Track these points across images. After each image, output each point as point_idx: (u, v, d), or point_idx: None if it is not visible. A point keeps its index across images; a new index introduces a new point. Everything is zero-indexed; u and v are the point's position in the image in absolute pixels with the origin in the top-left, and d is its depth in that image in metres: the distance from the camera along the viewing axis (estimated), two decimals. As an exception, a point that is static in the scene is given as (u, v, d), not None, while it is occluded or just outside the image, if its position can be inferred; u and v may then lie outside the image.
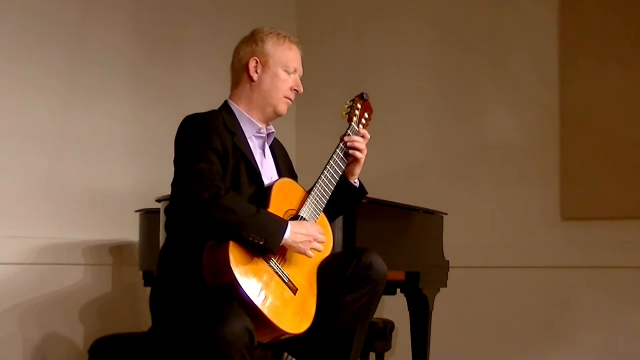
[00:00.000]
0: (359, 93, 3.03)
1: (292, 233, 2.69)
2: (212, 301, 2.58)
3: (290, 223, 2.71)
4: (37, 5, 4.05)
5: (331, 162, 2.89)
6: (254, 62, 2.89)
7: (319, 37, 5.37)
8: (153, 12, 4.63)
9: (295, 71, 2.94)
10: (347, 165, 2.93)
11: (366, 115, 3.02)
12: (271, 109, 2.92)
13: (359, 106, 3.00)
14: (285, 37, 2.94)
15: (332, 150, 2.93)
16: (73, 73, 4.19)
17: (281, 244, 2.68)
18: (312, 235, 2.74)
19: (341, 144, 2.93)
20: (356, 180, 2.99)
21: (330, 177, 2.87)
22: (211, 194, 2.63)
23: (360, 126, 2.99)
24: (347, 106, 2.99)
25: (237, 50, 2.96)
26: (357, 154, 2.92)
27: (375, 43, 5.32)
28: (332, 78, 5.27)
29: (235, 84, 2.95)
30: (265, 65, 2.89)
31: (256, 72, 2.89)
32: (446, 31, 5.17)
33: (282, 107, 2.93)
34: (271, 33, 2.93)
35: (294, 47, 2.94)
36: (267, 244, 2.64)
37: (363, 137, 2.95)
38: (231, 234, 2.62)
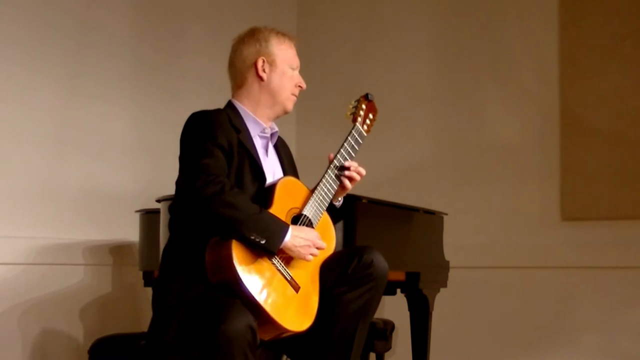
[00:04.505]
0: (363, 93, 3.05)
1: (293, 236, 2.70)
2: (214, 298, 2.58)
3: (291, 227, 2.71)
4: (37, 7, 4.05)
5: (335, 161, 2.88)
6: (261, 61, 2.92)
7: (319, 37, 5.37)
8: (152, 13, 4.63)
9: (297, 67, 2.99)
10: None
11: (370, 115, 3.04)
12: (279, 107, 2.96)
13: (364, 106, 3.02)
14: (284, 35, 2.99)
15: (331, 149, 2.93)
16: (72, 73, 4.19)
17: (281, 246, 2.68)
18: (311, 240, 2.74)
19: (345, 144, 2.92)
20: (340, 199, 2.98)
21: (333, 176, 2.87)
22: (215, 190, 2.63)
23: (365, 126, 3.00)
24: (351, 106, 3.01)
25: (239, 50, 2.97)
26: (347, 182, 2.89)
27: (376, 43, 5.32)
28: (332, 77, 5.27)
29: (240, 83, 2.96)
30: (272, 64, 2.93)
31: (264, 71, 2.92)
32: (446, 31, 5.17)
33: (290, 105, 2.98)
34: (271, 32, 2.97)
35: (293, 44, 3.00)
36: (267, 244, 2.65)
37: (358, 174, 2.91)
38: (232, 230, 2.63)
